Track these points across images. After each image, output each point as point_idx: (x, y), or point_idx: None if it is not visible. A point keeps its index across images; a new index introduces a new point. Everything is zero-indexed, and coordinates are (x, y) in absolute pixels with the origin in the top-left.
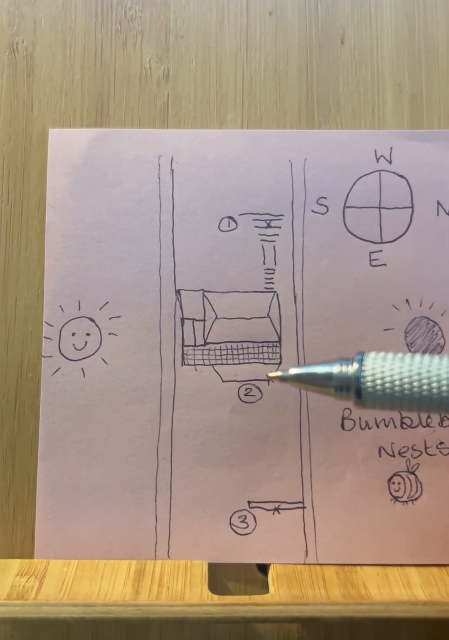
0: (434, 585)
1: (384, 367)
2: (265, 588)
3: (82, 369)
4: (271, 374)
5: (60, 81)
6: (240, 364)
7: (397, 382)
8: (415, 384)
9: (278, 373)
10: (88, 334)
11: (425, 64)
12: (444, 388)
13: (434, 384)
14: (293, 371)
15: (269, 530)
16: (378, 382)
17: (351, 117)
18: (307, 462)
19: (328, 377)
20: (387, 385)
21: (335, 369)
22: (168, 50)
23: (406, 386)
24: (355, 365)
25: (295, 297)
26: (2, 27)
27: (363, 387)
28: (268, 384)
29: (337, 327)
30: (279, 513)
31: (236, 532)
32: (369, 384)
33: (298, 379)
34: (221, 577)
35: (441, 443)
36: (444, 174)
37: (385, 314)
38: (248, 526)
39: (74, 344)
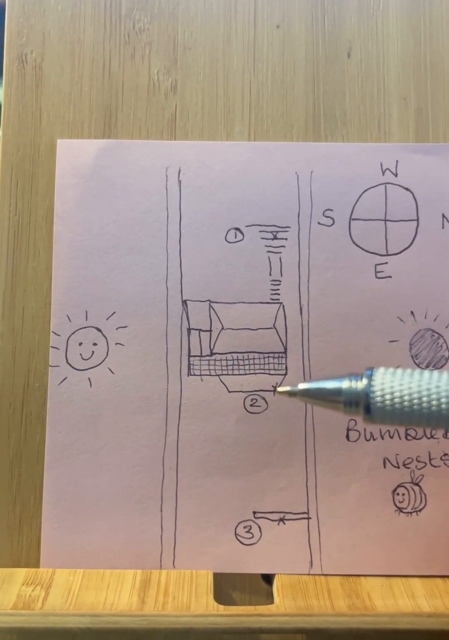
0: (438, 596)
1: (393, 382)
2: (269, 598)
3: (89, 378)
4: (280, 389)
5: (68, 92)
6: (245, 374)
7: (406, 398)
8: (424, 399)
9: (287, 388)
10: (95, 344)
11: (431, 78)
12: None
13: (444, 400)
14: (301, 386)
15: (274, 540)
16: (387, 397)
17: (358, 130)
18: (312, 472)
19: (337, 392)
20: (396, 400)
21: (344, 384)
22: (176, 62)
23: (416, 402)
24: (364, 381)
25: (300, 308)
26: (11, 38)
27: (372, 403)
28: (274, 394)
29: (342, 338)
30: (284, 523)
31: (241, 543)
32: (378, 399)
33: (306, 394)
34: (226, 587)
35: (446, 455)
36: None
37: (390, 325)
38: (253, 536)
39: (80, 354)
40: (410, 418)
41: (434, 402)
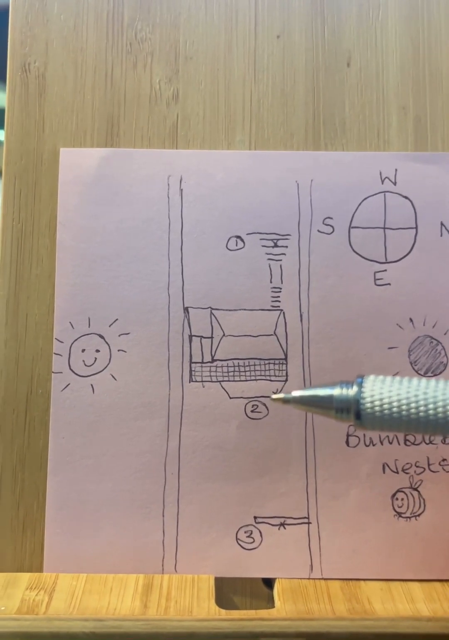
0: (437, 600)
1: (382, 389)
2: (270, 602)
3: (92, 385)
4: (274, 397)
5: (71, 101)
6: (246, 380)
7: (395, 405)
8: (412, 406)
9: (281, 395)
10: (97, 351)
11: (429, 87)
12: (440, 411)
13: (431, 406)
14: (295, 394)
15: (275, 545)
16: (377, 404)
17: (357, 139)
18: (312, 478)
19: (329, 399)
20: (385, 407)
21: (336, 391)
22: (178, 71)
23: (404, 408)
24: (355, 388)
25: (301, 315)
26: (14, 48)
27: (362, 409)
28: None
29: (342, 345)
30: (284, 528)
31: (242, 547)
32: (368, 405)
33: (300, 401)
34: (227, 592)
35: (444, 460)
36: (448, 195)
37: (389, 332)
38: (254, 541)
39: (83, 360)
40: (399, 424)
41: (422, 409)
